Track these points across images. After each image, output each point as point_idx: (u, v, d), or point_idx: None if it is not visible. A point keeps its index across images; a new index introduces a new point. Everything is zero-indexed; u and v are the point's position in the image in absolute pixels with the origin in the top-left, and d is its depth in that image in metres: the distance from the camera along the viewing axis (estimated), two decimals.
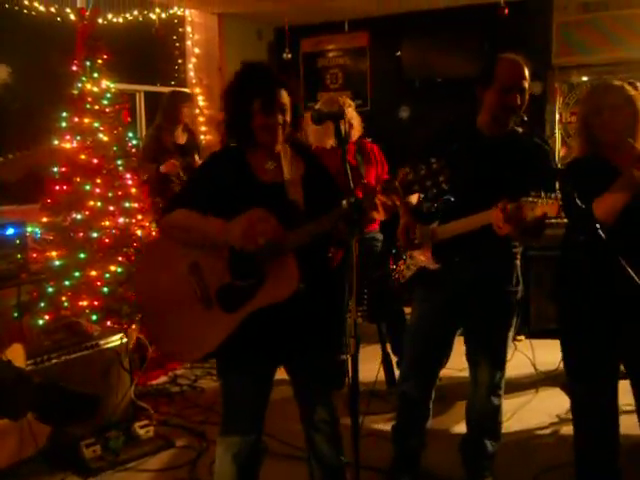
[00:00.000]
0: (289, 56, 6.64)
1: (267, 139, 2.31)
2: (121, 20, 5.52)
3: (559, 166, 5.84)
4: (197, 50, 6.46)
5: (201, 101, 6.42)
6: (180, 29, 6.40)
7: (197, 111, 6.32)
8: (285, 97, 2.30)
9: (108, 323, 4.14)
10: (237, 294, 2.23)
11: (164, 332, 2.40)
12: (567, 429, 3.55)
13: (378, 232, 4.27)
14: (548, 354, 4.38)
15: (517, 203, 2.34)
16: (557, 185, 2.61)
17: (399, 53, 6.55)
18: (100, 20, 5.01)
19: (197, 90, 6.42)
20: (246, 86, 2.31)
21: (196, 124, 6.30)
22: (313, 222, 2.19)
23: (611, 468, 2.65)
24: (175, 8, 6.11)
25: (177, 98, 5.09)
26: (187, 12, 6.38)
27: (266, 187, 2.32)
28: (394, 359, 4.21)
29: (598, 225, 2.32)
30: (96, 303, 4.16)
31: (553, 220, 2.88)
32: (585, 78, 5.90)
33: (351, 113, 4.15)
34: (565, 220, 2.63)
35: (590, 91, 2.76)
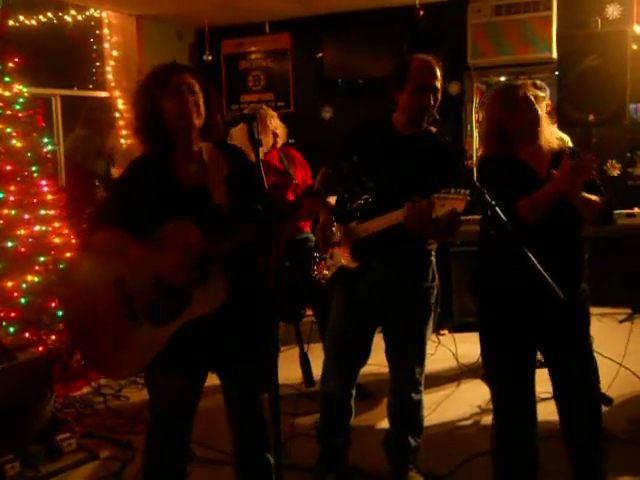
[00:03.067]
0: (210, 58, 6.59)
1: (181, 122, 2.22)
2: (34, 22, 5.37)
3: (474, 164, 6.09)
4: (115, 53, 6.30)
5: (121, 104, 6.28)
6: (97, 31, 6.25)
7: (117, 114, 6.21)
8: (190, 78, 2.24)
9: (27, 335, 4.02)
10: (165, 309, 2.17)
11: (94, 350, 2.32)
12: (488, 419, 3.64)
13: (311, 233, 4.27)
14: (470, 347, 4.50)
15: (428, 200, 2.39)
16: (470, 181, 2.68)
17: (320, 54, 6.59)
18: (11, 22, 4.86)
19: (116, 93, 6.28)
20: (150, 82, 2.26)
21: (117, 128, 6.20)
22: (236, 233, 2.14)
23: (529, 453, 2.70)
24: (91, 10, 5.97)
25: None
26: (104, 14, 6.23)
27: (189, 192, 2.24)
28: None
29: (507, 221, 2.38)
30: (13, 314, 4.02)
31: (470, 217, 2.99)
32: (503, 78, 6.08)
33: (275, 123, 4.16)
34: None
35: (497, 93, 2.80)
